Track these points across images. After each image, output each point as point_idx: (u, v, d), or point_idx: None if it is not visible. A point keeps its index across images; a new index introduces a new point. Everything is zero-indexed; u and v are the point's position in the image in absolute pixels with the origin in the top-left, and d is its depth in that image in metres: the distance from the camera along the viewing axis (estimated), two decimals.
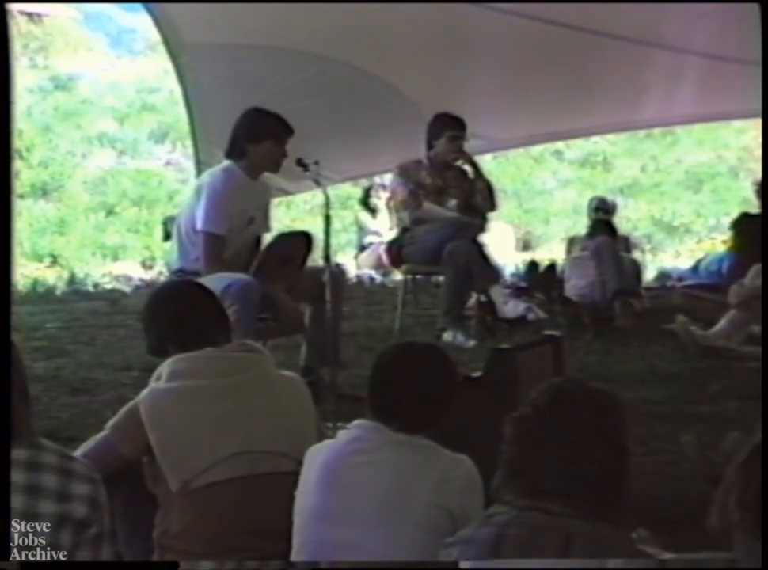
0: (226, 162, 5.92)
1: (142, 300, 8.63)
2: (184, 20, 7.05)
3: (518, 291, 8.26)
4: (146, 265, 11.04)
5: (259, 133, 5.82)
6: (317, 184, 5.52)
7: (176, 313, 3.66)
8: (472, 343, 6.91)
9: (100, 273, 10.35)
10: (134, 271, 10.54)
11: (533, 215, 13.83)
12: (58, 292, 9.38)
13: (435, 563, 2.61)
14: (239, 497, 3.34)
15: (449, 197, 7.48)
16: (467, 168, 7.58)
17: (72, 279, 10.03)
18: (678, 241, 13.02)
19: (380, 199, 10.12)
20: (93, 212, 12.84)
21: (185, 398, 3.41)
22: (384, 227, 9.63)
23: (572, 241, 8.86)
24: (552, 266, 8.71)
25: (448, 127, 7.36)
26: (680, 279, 9.52)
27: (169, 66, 7.88)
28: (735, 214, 9.81)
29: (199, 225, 5.78)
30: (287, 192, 8.14)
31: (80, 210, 12.87)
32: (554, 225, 13.46)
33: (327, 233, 5.40)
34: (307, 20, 6.94)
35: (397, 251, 7.50)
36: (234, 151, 5.88)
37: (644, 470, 4.52)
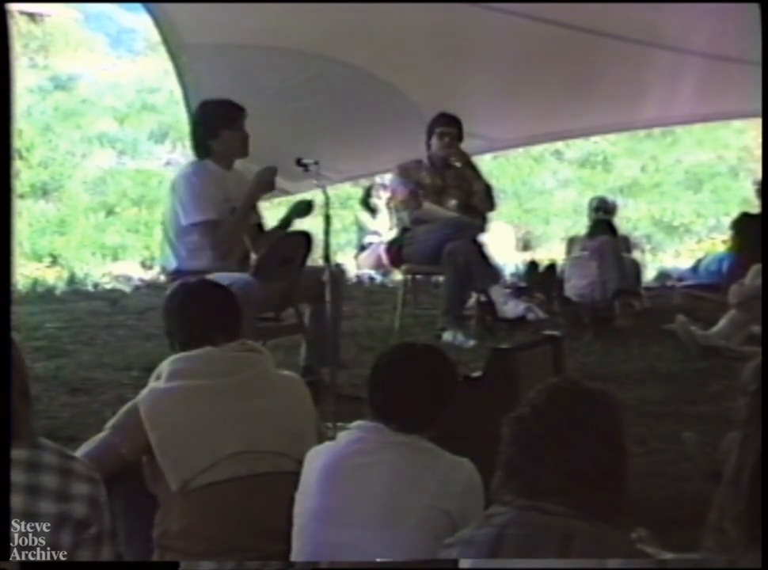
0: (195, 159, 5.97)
1: (142, 300, 8.74)
2: (184, 20, 7.05)
3: (518, 291, 8.26)
4: (146, 265, 11.03)
5: (212, 127, 5.86)
6: (318, 184, 5.52)
7: (179, 311, 3.70)
8: (472, 343, 6.91)
9: (100, 273, 10.34)
10: (134, 271, 10.53)
11: (533, 215, 13.83)
12: (58, 292, 9.37)
13: (434, 562, 2.61)
14: (239, 497, 3.34)
15: (449, 197, 7.48)
16: (460, 166, 7.56)
17: (72, 279, 10.02)
18: (678, 241, 13.02)
19: (380, 199, 10.12)
20: (93, 212, 12.84)
21: (185, 398, 3.42)
22: (384, 227, 9.63)
23: (572, 241, 8.85)
24: (552, 266, 8.71)
25: (438, 124, 7.39)
26: (680, 279, 9.52)
27: (169, 66, 7.88)
28: (735, 214, 9.81)
29: (184, 220, 5.76)
30: (287, 192, 8.14)
31: (80, 210, 12.86)
32: (554, 225, 13.46)
33: (327, 233, 5.40)
34: (307, 20, 6.94)
35: (397, 251, 7.50)
36: (199, 150, 5.94)
37: (644, 470, 4.54)
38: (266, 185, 5.92)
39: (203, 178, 5.80)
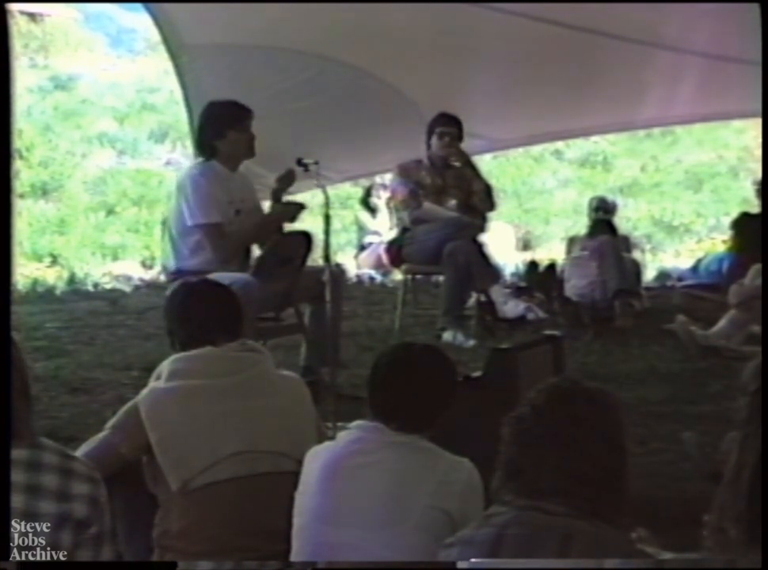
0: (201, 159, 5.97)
1: (142, 300, 8.73)
2: (184, 20, 7.05)
3: (518, 291, 8.26)
4: (146, 265, 11.04)
5: (219, 127, 5.85)
6: (318, 184, 5.53)
7: (180, 310, 3.71)
8: (472, 343, 6.91)
9: (100, 273, 10.35)
10: (134, 271, 10.54)
11: (533, 215, 13.83)
12: (58, 292, 9.37)
13: (434, 563, 2.61)
14: (239, 497, 3.34)
15: (449, 197, 7.47)
16: (460, 166, 7.55)
17: (72, 279, 10.03)
18: (678, 241, 13.03)
19: (380, 199, 10.12)
20: (93, 212, 12.84)
21: (185, 398, 3.42)
22: (384, 227, 9.63)
23: (572, 241, 8.85)
24: (552, 266, 8.71)
25: (438, 124, 7.39)
26: (680, 279, 9.51)
27: (169, 66, 7.88)
28: (735, 214, 9.81)
29: (190, 221, 5.77)
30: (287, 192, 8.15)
31: (80, 210, 12.87)
32: (554, 225, 13.46)
33: (327, 233, 5.40)
34: (307, 20, 6.94)
35: (397, 251, 7.50)
36: (204, 151, 5.93)
37: (644, 470, 4.53)
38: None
39: (209, 179, 5.80)
